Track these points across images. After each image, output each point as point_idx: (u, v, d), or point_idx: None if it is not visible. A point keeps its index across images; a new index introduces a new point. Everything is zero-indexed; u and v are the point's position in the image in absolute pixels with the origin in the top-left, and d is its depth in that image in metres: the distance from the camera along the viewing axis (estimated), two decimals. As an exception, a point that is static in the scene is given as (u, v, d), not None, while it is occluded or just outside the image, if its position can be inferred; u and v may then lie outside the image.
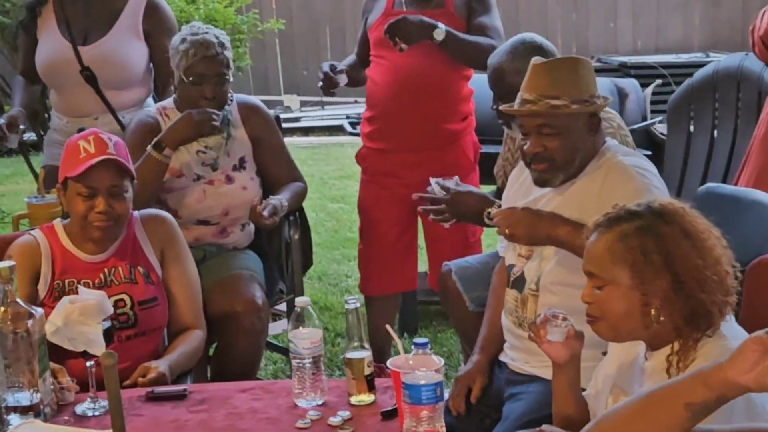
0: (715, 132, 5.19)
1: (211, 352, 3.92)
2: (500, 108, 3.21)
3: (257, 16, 6.22)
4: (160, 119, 4.02)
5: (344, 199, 8.30)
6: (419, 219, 4.46)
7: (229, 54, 3.94)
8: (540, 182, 3.06)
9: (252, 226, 4.17)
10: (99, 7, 4.31)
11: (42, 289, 3.22)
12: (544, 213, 2.98)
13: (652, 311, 2.27)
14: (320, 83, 4.41)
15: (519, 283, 3.10)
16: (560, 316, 2.48)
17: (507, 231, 2.98)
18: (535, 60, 3.03)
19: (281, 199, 3.94)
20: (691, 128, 5.31)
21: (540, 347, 2.53)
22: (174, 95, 4.08)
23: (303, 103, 11.48)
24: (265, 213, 3.82)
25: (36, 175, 4.46)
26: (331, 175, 9.13)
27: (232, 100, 4.07)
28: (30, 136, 6.79)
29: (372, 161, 4.56)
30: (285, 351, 4.64)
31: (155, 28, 4.33)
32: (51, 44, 4.29)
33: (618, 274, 2.29)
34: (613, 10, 11.14)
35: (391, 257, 4.56)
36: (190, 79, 3.90)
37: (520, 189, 3.23)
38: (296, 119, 11.15)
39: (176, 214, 3.85)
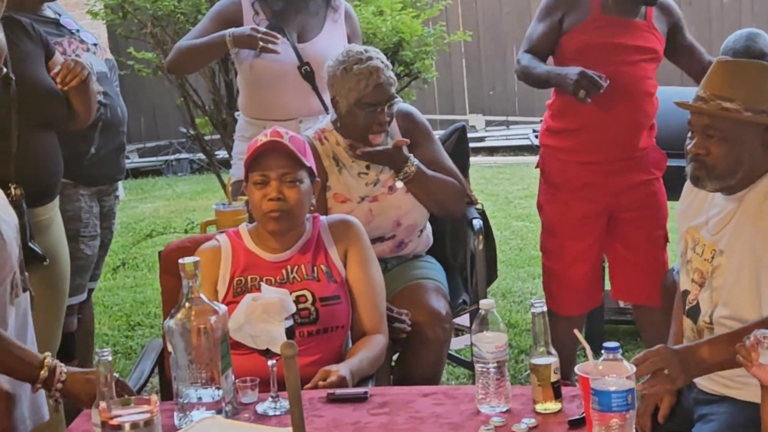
0: None
1: (393, 361, 3.88)
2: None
3: (444, 28, 6.18)
4: (317, 144, 3.98)
5: (529, 217, 8.20)
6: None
7: (392, 72, 3.93)
8: (693, 180, 2.94)
9: (430, 231, 4.11)
10: (312, 9, 4.40)
11: (222, 287, 3.23)
12: (681, 351, 2.81)
13: None
14: None
15: (694, 313, 2.98)
16: None
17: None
18: (722, 58, 2.89)
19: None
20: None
21: (749, 370, 2.40)
22: (334, 118, 4.03)
23: (488, 123, 11.43)
24: None
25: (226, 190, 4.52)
26: (516, 194, 9.05)
27: None
28: (222, 153, 6.94)
29: (564, 173, 4.39)
30: (468, 365, 4.58)
31: (351, 33, 4.42)
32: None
33: None
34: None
35: (578, 275, 4.39)
36: (364, 110, 3.87)
37: (693, 203, 3.09)
38: (481, 139, 11.10)
39: None
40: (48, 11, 4.21)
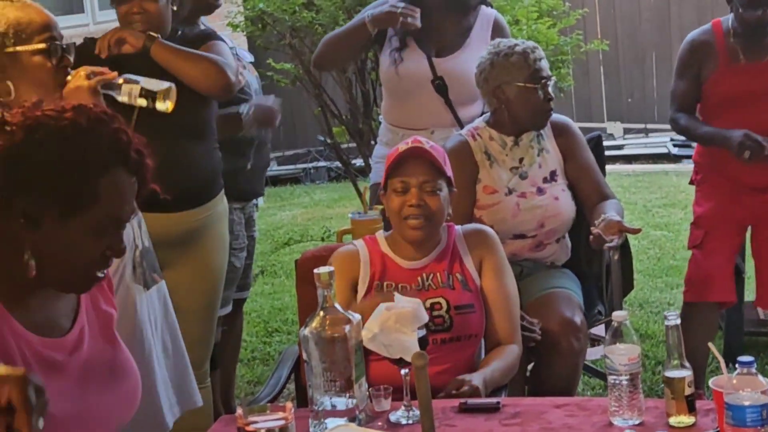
0: None
1: (529, 370, 3.88)
2: None
3: (581, 37, 6.15)
4: (470, 140, 4.06)
5: (668, 226, 8.08)
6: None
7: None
8: None
9: (568, 241, 4.12)
10: (452, 24, 4.45)
11: (361, 291, 3.28)
12: None
13: None
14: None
15: None
16: None
17: None
18: None
19: (619, 218, 3.83)
20: None
21: None
22: (487, 119, 4.12)
23: (626, 131, 11.30)
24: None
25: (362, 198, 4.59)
26: (655, 203, 8.92)
27: None
28: (358, 162, 7.02)
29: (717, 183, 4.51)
30: (603, 376, 4.53)
31: None
32: (409, 55, 4.41)
33: None
34: None
35: (719, 265, 4.45)
36: (534, 85, 3.95)
37: None
38: (619, 147, 10.98)
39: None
40: (201, 26, 4.34)
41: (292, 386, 3.77)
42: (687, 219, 7.10)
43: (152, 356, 3.03)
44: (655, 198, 9.10)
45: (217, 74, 3.78)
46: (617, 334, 2.66)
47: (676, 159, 10.36)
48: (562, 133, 4.10)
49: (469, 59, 4.31)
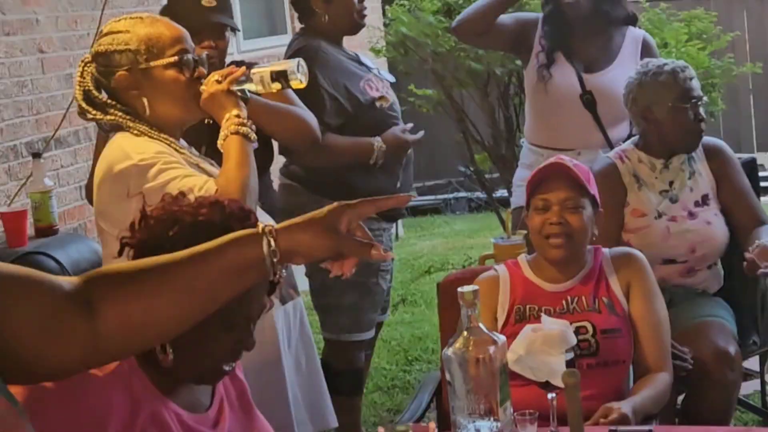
0: None
1: (679, 401, 3.73)
2: None
3: (732, 60, 5.97)
4: (618, 163, 3.98)
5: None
6: None
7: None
8: None
9: (721, 269, 3.97)
10: (603, 40, 4.41)
11: (501, 316, 3.19)
12: None
13: None
14: None
15: None
16: None
17: None
18: None
19: None
20: None
21: None
22: (635, 141, 4.05)
23: (776, 162, 10.95)
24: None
25: (505, 226, 4.50)
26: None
27: None
28: (501, 192, 6.93)
29: None
30: (758, 411, 4.35)
31: None
32: (558, 70, 4.38)
33: None
34: None
35: None
36: (685, 105, 3.88)
37: None
38: (771, 178, 10.62)
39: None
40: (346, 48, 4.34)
41: (433, 414, 3.68)
42: None
43: (284, 374, 2.98)
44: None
45: (307, 130, 3.79)
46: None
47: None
48: (714, 155, 3.97)
49: (618, 77, 4.24)
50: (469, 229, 9.92)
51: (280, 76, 2.91)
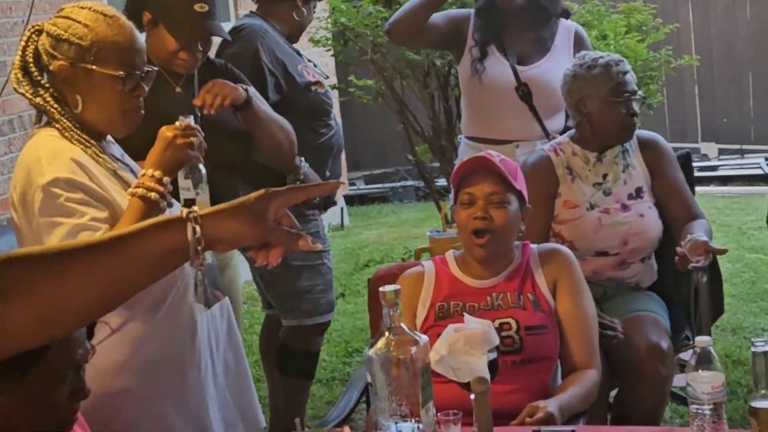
0: None
1: (610, 398, 3.73)
2: None
3: (670, 53, 5.99)
4: (552, 155, 3.98)
5: (763, 249, 7.84)
6: None
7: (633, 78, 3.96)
8: None
9: (654, 263, 3.97)
10: (536, 32, 4.42)
11: (421, 313, 3.16)
12: None
13: None
14: None
15: None
16: None
17: None
18: None
19: (706, 239, 3.66)
20: None
21: None
22: (572, 134, 4.04)
23: (721, 151, 11.03)
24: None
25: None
26: (750, 225, 8.67)
27: None
28: (442, 182, 6.92)
29: None
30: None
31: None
32: (492, 64, 4.37)
33: None
34: None
35: None
36: (617, 99, 3.87)
37: None
38: (713, 168, 10.72)
39: (572, 246, 3.72)
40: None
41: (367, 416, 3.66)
42: (785, 242, 6.90)
43: (207, 378, 2.93)
44: (750, 220, 8.84)
45: (293, 145, 3.86)
46: (701, 361, 2.51)
47: (768, 179, 10.09)
48: (649, 148, 3.97)
49: (552, 69, 4.27)
50: (416, 219, 9.91)
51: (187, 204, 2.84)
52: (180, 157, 2.79)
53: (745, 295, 6.76)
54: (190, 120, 2.84)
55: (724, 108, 11.02)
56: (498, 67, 4.36)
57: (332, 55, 6.83)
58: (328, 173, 4.29)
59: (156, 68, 2.89)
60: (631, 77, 3.93)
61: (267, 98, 4.01)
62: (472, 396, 2.65)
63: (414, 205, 10.83)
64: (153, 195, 2.72)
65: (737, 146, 10.95)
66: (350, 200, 10.37)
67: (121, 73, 2.76)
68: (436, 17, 4.46)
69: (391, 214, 10.33)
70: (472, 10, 4.50)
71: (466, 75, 4.43)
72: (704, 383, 2.49)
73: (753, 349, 2.46)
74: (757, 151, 10.61)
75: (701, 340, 2.54)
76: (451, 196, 4.51)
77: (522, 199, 3.23)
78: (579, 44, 4.42)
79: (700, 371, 2.50)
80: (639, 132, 4.04)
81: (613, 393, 3.77)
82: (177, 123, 2.83)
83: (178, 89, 3.63)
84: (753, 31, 10.75)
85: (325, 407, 5.33)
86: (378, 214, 10.38)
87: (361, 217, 10.19)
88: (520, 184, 3.23)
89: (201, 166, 2.86)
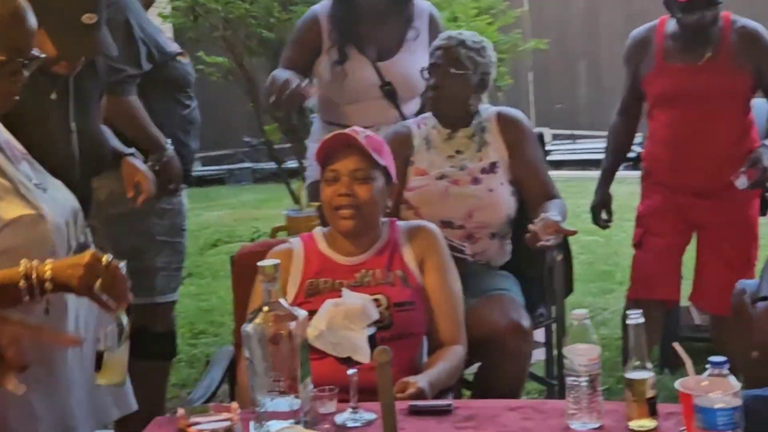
0: None
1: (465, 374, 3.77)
2: None
3: (519, 36, 6.09)
4: (413, 128, 4.01)
5: (598, 232, 7.95)
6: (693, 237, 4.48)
7: (472, 54, 3.92)
8: None
9: (509, 244, 4.02)
10: (392, 24, 4.33)
11: (291, 290, 3.13)
12: None
13: None
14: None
15: None
16: None
17: None
18: None
19: (558, 218, 3.72)
20: None
21: None
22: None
23: (554, 137, 11.28)
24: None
25: (295, 198, 4.44)
26: (584, 208, 8.78)
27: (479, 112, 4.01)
28: (291, 163, 6.87)
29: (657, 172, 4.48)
30: (541, 380, 4.45)
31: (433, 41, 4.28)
32: (353, 65, 4.28)
33: None
34: None
35: (663, 263, 4.43)
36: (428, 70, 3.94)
37: None
38: (547, 152, 10.93)
39: (418, 214, 3.80)
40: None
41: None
42: (617, 225, 7.05)
43: (74, 364, 2.83)
44: (584, 203, 8.97)
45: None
46: (577, 334, 2.55)
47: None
48: (509, 126, 4.00)
49: (410, 57, 4.26)
50: (256, 200, 9.86)
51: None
52: (82, 288, 2.56)
53: (584, 276, 6.92)
54: (122, 266, 2.57)
55: (557, 94, 11.28)
56: (360, 67, 4.27)
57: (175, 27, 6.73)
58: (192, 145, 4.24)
59: (44, 55, 2.71)
60: (454, 52, 3.90)
61: (140, 67, 3.92)
62: (350, 371, 2.64)
63: (252, 187, 10.78)
64: (22, 283, 2.51)
65: (569, 132, 11.23)
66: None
67: (4, 58, 2.58)
68: (291, 54, 4.37)
69: (230, 196, 10.26)
70: (316, 8, 4.35)
71: (326, 77, 4.32)
72: (581, 356, 2.52)
73: (628, 321, 2.52)
74: (588, 137, 10.89)
75: (578, 313, 2.59)
76: (306, 175, 4.51)
77: (388, 175, 3.23)
78: (433, 27, 4.39)
79: (577, 344, 2.54)
80: (501, 109, 4.07)
81: (470, 369, 3.80)
82: (105, 258, 2.52)
83: (53, 96, 3.35)
84: (586, 20, 11.03)
85: (172, 389, 5.24)
86: (217, 196, 10.30)
87: (200, 199, 10.07)
88: (386, 160, 3.22)
89: (123, 319, 2.53)
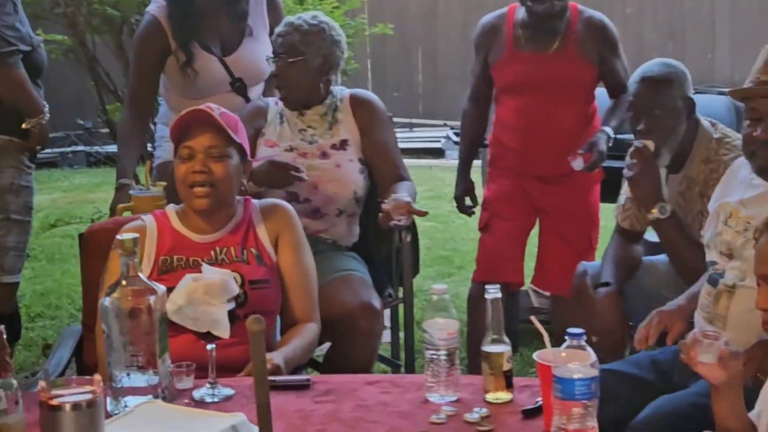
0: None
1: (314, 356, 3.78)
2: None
3: (365, 21, 6.12)
4: (272, 104, 4.04)
5: (436, 218, 8.16)
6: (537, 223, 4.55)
7: (309, 38, 3.90)
8: (764, 173, 2.90)
9: (357, 226, 4.04)
10: (231, 14, 4.24)
11: (145, 267, 3.08)
12: None
13: None
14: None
15: (716, 278, 2.95)
16: (711, 335, 2.28)
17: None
18: None
19: (409, 199, 3.75)
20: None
21: (694, 369, 2.33)
22: None
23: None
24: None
25: (137, 179, 4.35)
26: (423, 195, 8.99)
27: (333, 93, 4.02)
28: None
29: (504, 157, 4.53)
30: (387, 361, 4.50)
31: (275, 22, 4.22)
32: (201, 65, 4.18)
33: None
34: (711, 41, 10.91)
35: (508, 246, 4.48)
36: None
37: (728, 186, 3.09)
38: (388, 139, 11.01)
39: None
40: None
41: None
42: (454, 212, 7.16)
43: None
44: (422, 191, 9.12)
45: None
46: (436, 308, 2.59)
47: (440, 154, 10.50)
48: (361, 108, 4.02)
49: (255, 47, 4.22)
50: (90, 184, 9.67)
51: None
52: None
53: (423, 260, 6.97)
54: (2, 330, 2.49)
55: (395, 82, 11.37)
56: (208, 65, 4.18)
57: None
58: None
59: None
60: (288, 39, 3.90)
61: (30, 45, 4.04)
62: (209, 346, 2.63)
63: (85, 170, 10.55)
64: None
65: (407, 120, 11.32)
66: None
67: None
68: (141, 74, 4.26)
69: (63, 179, 10.03)
70: (153, 10, 4.20)
71: (176, 78, 4.20)
72: (440, 330, 2.57)
73: (486, 295, 2.57)
74: (426, 126, 11.02)
75: (438, 287, 2.63)
76: (155, 156, 4.43)
77: (243, 152, 3.21)
78: (273, 9, 4.33)
79: (436, 318, 2.58)
80: (355, 91, 4.09)
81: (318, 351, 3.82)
82: None
83: None
84: (423, 8, 11.14)
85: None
86: (48, 179, 10.04)
87: (32, 182, 9.81)
88: (241, 138, 3.20)
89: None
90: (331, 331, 3.56)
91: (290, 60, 3.89)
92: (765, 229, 2.19)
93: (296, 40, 3.89)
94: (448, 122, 10.52)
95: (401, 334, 4.27)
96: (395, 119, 11.10)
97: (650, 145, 3.53)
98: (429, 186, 9.29)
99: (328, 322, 3.45)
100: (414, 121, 11.32)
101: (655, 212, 3.51)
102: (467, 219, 4.83)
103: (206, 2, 4.16)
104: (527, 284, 4.91)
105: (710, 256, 3.06)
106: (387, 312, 4.31)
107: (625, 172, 3.61)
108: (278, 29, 3.96)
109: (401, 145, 10.22)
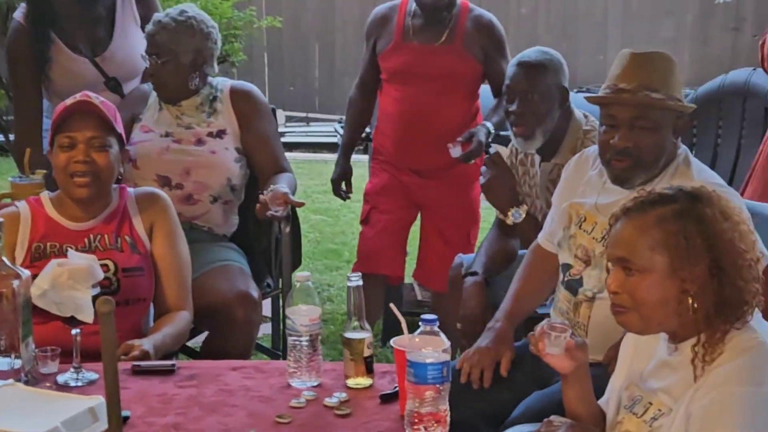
0: (718, 147, 5.10)
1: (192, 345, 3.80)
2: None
3: (254, 13, 6.13)
4: (153, 90, 4.03)
5: (327, 212, 8.21)
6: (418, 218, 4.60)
7: (177, 36, 3.89)
8: (619, 180, 2.87)
9: (236, 216, 4.07)
10: (93, 15, 4.19)
11: (19, 254, 3.09)
12: None
13: (689, 299, 2.14)
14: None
15: (574, 285, 2.94)
16: (558, 327, 2.36)
17: None
18: (629, 50, 2.88)
19: (286, 190, 3.79)
20: (694, 140, 5.20)
21: (543, 359, 2.41)
22: None
23: (288, 119, 11.36)
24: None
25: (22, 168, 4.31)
26: (314, 189, 9.05)
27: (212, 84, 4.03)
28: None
29: (384, 151, 4.58)
30: (266, 351, 4.53)
31: (147, 14, 4.19)
32: (69, 65, 4.15)
33: (655, 260, 2.14)
34: (603, 42, 11.08)
35: (387, 239, 4.52)
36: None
37: (575, 181, 3.07)
38: (281, 134, 11.01)
39: (135, 165, 3.84)
40: None
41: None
42: (345, 206, 7.24)
43: None
44: (314, 184, 9.22)
45: None
46: (299, 295, 2.64)
47: (336, 148, 10.50)
48: (240, 99, 4.03)
49: (125, 43, 4.20)
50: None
51: None
52: None
53: (311, 254, 7.05)
54: None
55: (292, 76, 11.36)
56: (78, 69, 4.15)
57: None
58: None
59: None
60: (159, 38, 3.91)
61: None
62: (73, 331, 2.65)
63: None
64: None
65: (303, 114, 11.33)
66: None
67: None
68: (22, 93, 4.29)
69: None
70: (18, 16, 4.17)
71: (58, 83, 4.17)
72: (303, 316, 2.62)
73: (348, 283, 2.63)
74: (322, 120, 11.03)
75: (301, 275, 2.68)
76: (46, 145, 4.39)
77: (122, 141, 3.23)
78: (142, 2, 4.28)
79: (299, 305, 2.63)
80: (235, 82, 4.11)
81: (196, 341, 3.84)
82: None
83: None
84: (321, 2, 11.14)
85: None
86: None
87: None
88: (120, 127, 3.23)
89: None
90: (208, 321, 3.58)
91: (161, 61, 3.90)
92: (621, 215, 2.26)
93: (165, 39, 3.89)
94: (344, 117, 10.52)
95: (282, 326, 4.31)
96: (291, 113, 11.24)
97: (502, 151, 3.61)
98: (323, 180, 9.31)
99: (206, 311, 3.48)
100: (310, 115, 11.33)
101: (510, 217, 3.59)
102: (357, 213, 4.87)
103: (63, 8, 4.13)
104: (409, 278, 4.99)
105: (564, 257, 3.01)
106: (268, 302, 4.36)
107: (480, 180, 3.68)
108: (148, 28, 3.94)
109: (297, 140, 10.27)
